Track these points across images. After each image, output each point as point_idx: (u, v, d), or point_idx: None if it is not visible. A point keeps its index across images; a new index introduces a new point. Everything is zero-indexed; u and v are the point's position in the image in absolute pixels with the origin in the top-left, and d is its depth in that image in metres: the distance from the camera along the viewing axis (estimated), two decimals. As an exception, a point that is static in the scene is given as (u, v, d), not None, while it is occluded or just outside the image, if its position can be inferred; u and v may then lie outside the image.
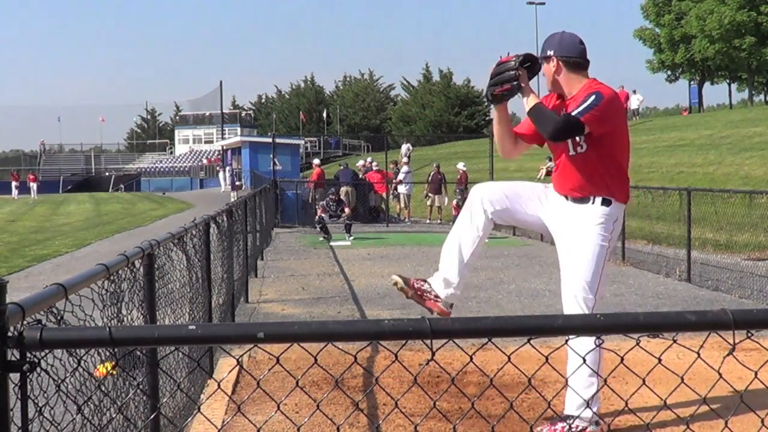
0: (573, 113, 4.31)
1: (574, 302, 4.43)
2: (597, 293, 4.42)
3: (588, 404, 4.31)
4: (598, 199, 4.45)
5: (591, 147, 4.42)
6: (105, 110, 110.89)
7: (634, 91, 38.52)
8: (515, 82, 4.39)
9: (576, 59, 4.48)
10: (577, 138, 4.40)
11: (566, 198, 4.57)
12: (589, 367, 4.15)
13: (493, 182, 5.28)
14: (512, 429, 4.59)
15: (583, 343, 3.53)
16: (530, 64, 4.47)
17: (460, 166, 23.87)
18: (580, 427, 4.38)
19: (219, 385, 2.21)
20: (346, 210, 18.06)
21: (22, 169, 62.80)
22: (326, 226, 17.58)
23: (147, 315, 3.59)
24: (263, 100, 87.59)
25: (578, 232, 4.47)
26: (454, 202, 22.33)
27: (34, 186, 49.21)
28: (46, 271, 13.22)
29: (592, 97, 4.31)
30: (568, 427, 4.40)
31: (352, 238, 17.48)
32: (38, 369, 1.71)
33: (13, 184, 49.54)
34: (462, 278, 4.60)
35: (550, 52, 4.50)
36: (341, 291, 10.25)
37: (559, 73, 4.49)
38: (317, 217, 18.23)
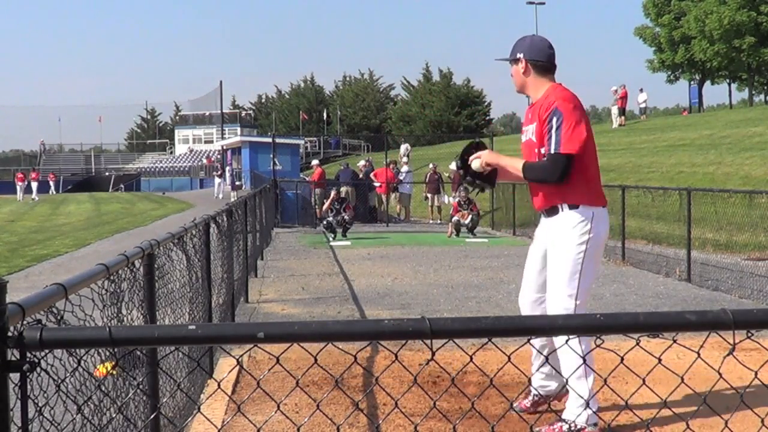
0: (552, 151, 4.41)
1: (556, 309, 4.49)
2: (578, 297, 4.47)
3: (587, 404, 4.31)
4: (566, 206, 4.50)
5: None
6: (105, 110, 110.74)
7: (641, 90, 38.71)
8: (478, 182, 4.78)
9: (543, 63, 4.59)
10: (541, 151, 4.48)
11: (543, 213, 4.69)
12: (588, 366, 4.18)
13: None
14: (512, 429, 4.59)
15: (571, 344, 3.59)
16: (476, 148, 4.79)
17: (452, 166, 23.84)
18: (578, 427, 4.38)
19: (219, 385, 2.21)
20: (348, 210, 18.04)
21: (21, 169, 62.56)
22: (331, 225, 17.66)
23: (147, 315, 3.59)
24: (263, 100, 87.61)
25: (554, 242, 4.55)
26: (456, 200, 22.29)
27: (28, 185, 48.99)
28: (46, 271, 13.21)
29: (554, 120, 4.39)
30: (567, 427, 4.39)
31: (347, 239, 17.52)
32: (38, 369, 1.71)
33: (33, 184, 49.17)
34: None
35: (520, 55, 4.62)
36: (341, 291, 10.25)
37: (527, 75, 4.62)
38: (324, 222, 18.30)
